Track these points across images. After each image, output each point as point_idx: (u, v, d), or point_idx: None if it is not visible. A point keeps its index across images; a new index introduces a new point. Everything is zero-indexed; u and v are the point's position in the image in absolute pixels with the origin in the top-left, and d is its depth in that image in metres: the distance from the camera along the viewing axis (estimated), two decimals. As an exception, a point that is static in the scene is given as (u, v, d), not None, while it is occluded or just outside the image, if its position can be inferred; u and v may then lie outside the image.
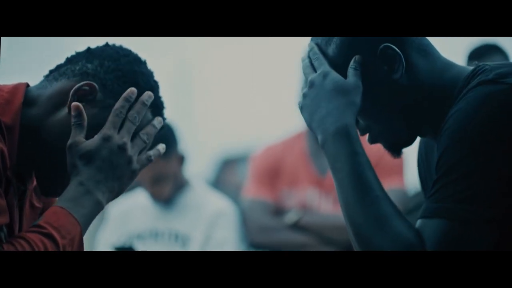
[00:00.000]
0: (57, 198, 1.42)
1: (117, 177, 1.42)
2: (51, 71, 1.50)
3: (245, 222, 2.93)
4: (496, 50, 2.88)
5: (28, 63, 2.73)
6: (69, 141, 1.41)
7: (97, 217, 1.44)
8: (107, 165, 1.40)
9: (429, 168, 1.52)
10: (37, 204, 1.52)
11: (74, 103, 1.41)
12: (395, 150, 1.44)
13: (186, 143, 3.14)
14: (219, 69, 8.22)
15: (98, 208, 1.40)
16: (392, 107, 1.39)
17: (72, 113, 1.41)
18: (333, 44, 1.40)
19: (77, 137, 1.41)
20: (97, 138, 1.41)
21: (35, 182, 1.49)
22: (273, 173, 2.95)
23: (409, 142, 1.45)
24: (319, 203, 2.89)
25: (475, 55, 2.81)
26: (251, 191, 2.97)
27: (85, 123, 1.41)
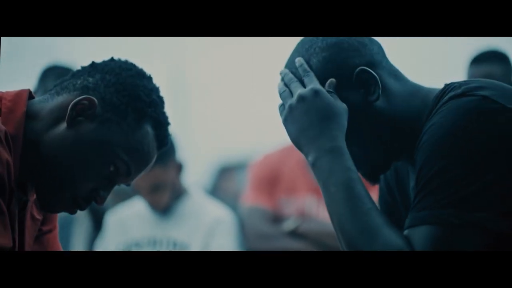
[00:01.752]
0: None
1: None
2: (55, 85, 1.50)
3: (243, 230, 2.92)
4: (500, 57, 2.86)
5: (28, 63, 2.74)
6: None
7: (94, 226, 1.44)
8: None
9: (403, 189, 1.54)
10: (37, 216, 1.52)
11: None
12: (372, 177, 1.49)
13: (184, 151, 3.13)
14: (216, 77, 8.22)
15: None
16: (369, 131, 1.43)
17: None
18: (313, 58, 1.43)
19: None
20: None
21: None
22: (271, 181, 2.95)
23: (386, 168, 1.48)
24: (317, 210, 2.89)
25: (478, 60, 2.81)
26: (249, 198, 2.96)
27: None
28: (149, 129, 1.47)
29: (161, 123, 1.49)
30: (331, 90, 1.41)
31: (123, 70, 1.48)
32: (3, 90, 1.46)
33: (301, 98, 1.41)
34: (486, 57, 2.84)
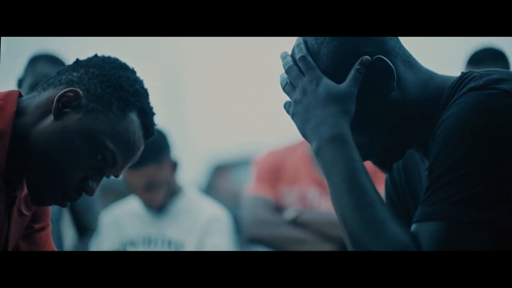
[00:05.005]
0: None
1: None
2: (41, 83, 1.53)
3: (245, 218, 2.94)
4: (498, 55, 2.86)
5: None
6: None
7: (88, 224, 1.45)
8: None
9: (414, 187, 1.52)
10: (25, 212, 1.54)
11: None
12: (385, 166, 1.45)
13: (178, 149, 3.14)
14: (212, 74, 8.22)
15: None
16: (383, 120, 1.40)
17: None
18: (324, 48, 1.39)
19: None
20: None
21: (25, 191, 1.49)
22: (275, 173, 2.97)
23: (399, 156, 1.45)
24: (320, 202, 2.90)
25: (475, 60, 2.81)
26: (252, 189, 2.98)
27: None
28: (134, 117, 1.50)
29: (146, 111, 1.52)
30: (357, 67, 1.37)
31: (106, 63, 1.52)
32: (3, 90, 1.49)
33: (304, 91, 1.39)
34: (483, 56, 2.83)
